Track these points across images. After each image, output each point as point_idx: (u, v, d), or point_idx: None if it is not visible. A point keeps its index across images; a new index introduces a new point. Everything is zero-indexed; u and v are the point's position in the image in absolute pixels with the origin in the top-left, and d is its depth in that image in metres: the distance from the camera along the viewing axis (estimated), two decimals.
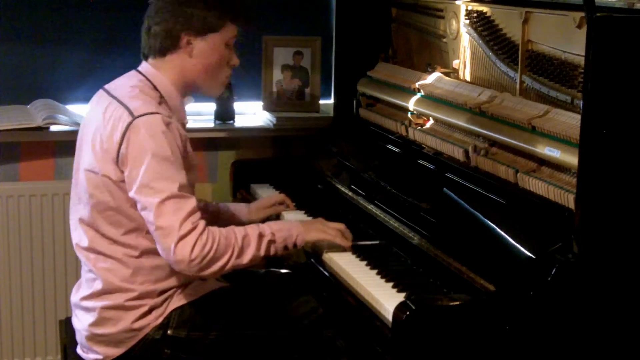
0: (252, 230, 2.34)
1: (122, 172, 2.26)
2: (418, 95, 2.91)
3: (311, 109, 3.66)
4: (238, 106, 3.63)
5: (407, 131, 2.92)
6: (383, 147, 2.98)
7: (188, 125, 3.46)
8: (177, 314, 2.36)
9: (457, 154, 2.60)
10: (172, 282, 2.36)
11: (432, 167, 2.69)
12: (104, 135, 2.28)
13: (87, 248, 2.36)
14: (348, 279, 2.37)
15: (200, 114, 3.65)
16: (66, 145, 3.22)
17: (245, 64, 3.59)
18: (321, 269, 2.52)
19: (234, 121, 3.58)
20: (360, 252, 2.50)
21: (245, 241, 2.31)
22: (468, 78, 2.81)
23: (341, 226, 2.53)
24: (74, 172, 2.44)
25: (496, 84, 2.65)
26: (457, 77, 2.85)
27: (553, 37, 2.38)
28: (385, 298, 2.18)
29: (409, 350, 1.98)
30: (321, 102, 3.70)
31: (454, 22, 2.86)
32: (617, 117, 1.96)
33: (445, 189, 2.52)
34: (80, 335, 2.41)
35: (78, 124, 2.94)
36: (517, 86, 2.52)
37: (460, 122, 2.63)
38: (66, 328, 2.60)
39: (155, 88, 2.37)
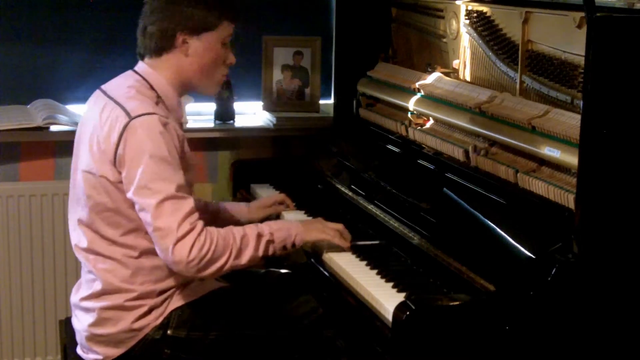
0: (251, 230, 2.34)
1: (120, 173, 2.26)
2: (418, 95, 2.91)
3: (311, 109, 3.66)
4: (238, 106, 3.63)
5: (407, 131, 2.92)
6: (383, 147, 2.98)
7: (188, 125, 3.51)
8: (177, 314, 2.36)
9: (457, 154, 2.60)
10: (172, 282, 2.36)
11: (432, 167, 2.69)
12: (101, 136, 2.28)
13: (86, 249, 2.36)
14: (348, 279, 2.37)
15: (200, 114, 3.65)
16: (66, 145, 3.21)
17: (245, 64, 3.63)
18: (321, 269, 2.52)
19: (234, 121, 3.58)
20: (360, 252, 2.50)
21: (243, 242, 2.31)
22: (468, 78, 2.81)
23: (340, 226, 2.53)
24: (72, 173, 2.43)
25: (496, 84, 2.65)
26: (457, 77, 2.85)
27: (553, 37, 2.38)
28: (385, 298, 2.18)
29: (409, 350, 1.98)
30: (321, 102, 3.70)
31: (454, 22, 2.86)
32: (617, 117, 1.96)
33: (445, 189, 2.52)
34: (80, 336, 2.41)
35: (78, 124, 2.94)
36: (517, 86, 2.52)
37: (460, 122, 2.63)
38: (66, 328, 2.60)
39: (152, 88, 2.36)
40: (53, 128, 3.29)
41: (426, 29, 3.06)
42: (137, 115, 2.24)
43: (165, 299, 2.36)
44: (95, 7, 3.48)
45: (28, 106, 3.46)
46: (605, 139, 1.96)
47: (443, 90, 2.77)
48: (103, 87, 2.43)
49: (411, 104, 2.92)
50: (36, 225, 3.37)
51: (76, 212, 2.39)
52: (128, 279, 2.32)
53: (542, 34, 2.43)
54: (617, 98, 1.96)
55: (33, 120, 3.28)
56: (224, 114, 3.57)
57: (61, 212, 3.34)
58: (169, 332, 2.35)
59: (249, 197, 3.19)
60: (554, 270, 1.98)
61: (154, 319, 2.34)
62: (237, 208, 2.85)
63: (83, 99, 2.72)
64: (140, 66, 2.42)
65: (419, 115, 2.92)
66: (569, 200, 2.13)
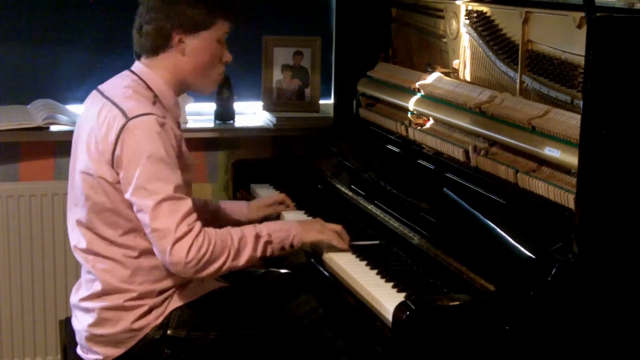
0: (249, 231, 2.34)
1: (118, 173, 2.25)
2: (418, 95, 2.91)
3: (311, 109, 3.66)
4: (238, 106, 3.63)
5: (407, 131, 2.92)
6: (383, 147, 2.98)
7: (188, 125, 3.51)
8: (176, 314, 2.36)
9: (457, 154, 2.60)
10: (171, 281, 2.36)
11: (432, 167, 2.69)
12: (99, 137, 2.27)
13: (85, 250, 2.36)
14: (348, 279, 2.37)
15: (200, 114, 3.65)
16: (66, 145, 3.19)
17: (245, 64, 3.63)
18: (321, 269, 2.52)
19: (234, 121, 3.58)
20: (360, 252, 2.50)
21: (241, 243, 2.30)
22: (468, 78, 2.81)
23: (338, 227, 2.52)
24: (70, 174, 2.43)
25: (496, 84, 2.65)
26: (457, 77, 2.85)
27: (553, 37, 2.38)
28: (385, 298, 2.18)
29: (409, 350, 1.98)
30: (321, 102, 3.70)
31: (454, 22, 2.86)
32: (617, 117, 1.96)
33: (445, 189, 2.52)
34: (80, 336, 2.41)
35: None
36: (517, 86, 2.52)
37: (460, 122, 2.63)
38: (66, 328, 2.60)
39: (148, 88, 2.36)
40: (53, 128, 3.29)
41: (426, 29, 3.06)
42: (135, 116, 2.23)
43: (165, 299, 2.36)
44: (95, 7, 3.48)
45: (28, 106, 3.46)
46: (605, 139, 1.96)
47: (443, 90, 2.77)
48: (100, 87, 2.42)
49: (411, 104, 2.92)
50: (36, 225, 3.37)
51: (75, 213, 2.39)
52: (127, 279, 2.32)
53: (542, 34, 2.43)
54: (617, 98, 1.96)
55: (33, 120, 3.28)
56: (224, 114, 3.57)
57: (61, 212, 3.34)
58: (168, 332, 2.35)
59: (249, 197, 3.19)
60: (554, 270, 1.98)
61: (154, 319, 2.34)
62: (237, 207, 2.85)
63: (83, 99, 2.71)
64: (137, 66, 2.41)
65: (419, 115, 2.92)
66: (569, 200, 2.13)
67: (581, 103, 1.99)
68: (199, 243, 2.21)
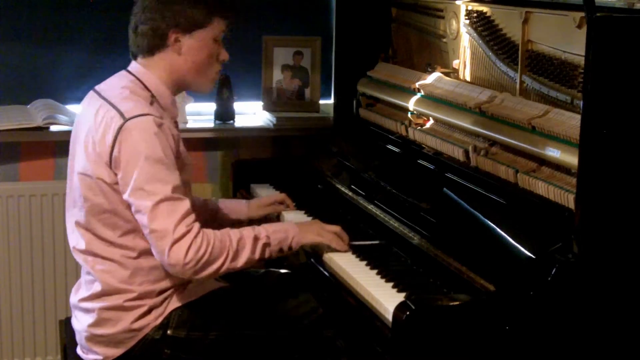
0: (248, 233, 2.34)
1: (116, 174, 2.25)
2: (418, 95, 2.91)
3: (311, 109, 3.66)
4: (238, 106, 3.63)
5: (407, 131, 2.92)
6: (383, 147, 2.98)
7: (188, 125, 3.51)
8: (176, 314, 2.36)
9: (457, 154, 2.60)
10: (171, 282, 2.35)
11: (432, 167, 2.69)
12: (96, 138, 2.27)
13: (84, 251, 2.36)
14: (348, 279, 2.37)
15: (200, 114, 3.65)
16: (66, 145, 3.17)
17: (245, 64, 3.63)
18: (321, 269, 2.52)
19: (234, 121, 3.59)
20: (360, 252, 2.50)
21: (240, 244, 2.30)
22: (468, 78, 2.81)
23: (337, 229, 2.52)
24: (68, 175, 2.43)
25: (496, 84, 2.65)
26: (457, 77, 2.85)
27: (553, 37, 2.38)
28: (385, 298, 2.18)
29: (409, 350, 1.98)
30: (321, 102, 3.70)
31: (454, 22, 2.86)
32: (617, 117, 1.96)
33: (445, 189, 2.52)
34: (80, 336, 2.41)
35: None
36: (517, 86, 2.52)
37: (460, 122, 2.63)
38: (66, 328, 2.60)
39: (145, 88, 2.36)
40: (53, 128, 3.29)
41: (426, 29, 3.06)
42: (132, 117, 2.23)
43: (165, 299, 2.36)
44: (95, 7, 3.48)
45: (28, 106, 3.46)
46: (605, 139, 1.96)
47: (443, 90, 2.77)
48: (97, 87, 2.42)
49: (411, 104, 2.92)
50: (36, 225, 3.37)
51: (73, 214, 2.38)
52: (127, 280, 2.32)
53: (542, 34, 2.43)
54: (617, 98, 1.96)
55: (33, 120, 3.28)
56: (224, 114, 3.57)
57: (61, 212, 3.33)
58: (168, 332, 2.34)
59: (248, 197, 3.18)
60: (554, 270, 1.98)
61: (154, 319, 2.34)
62: (237, 206, 2.85)
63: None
64: (134, 66, 2.41)
65: (419, 115, 2.92)
66: (569, 200, 2.13)
67: (581, 103, 1.99)
68: (197, 244, 2.21)
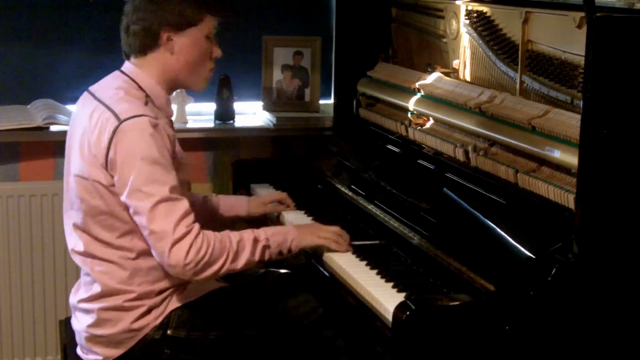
0: (247, 235, 2.34)
1: (112, 176, 2.24)
2: (418, 95, 2.91)
3: (311, 109, 3.66)
4: (238, 106, 3.63)
5: (407, 131, 2.92)
6: (383, 147, 2.98)
7: (188, 125, 3.51)
8: (176, 314, 2.36)
9: (457, 154, 2.60)
10: (170, 281, 2.35)
11: (432, 167, 2.69)
12: (92, 140, 2.26)
13: (82, 253, 2.35)
14: (348, 279, 2.37)
15: (200, 114, 3.65)
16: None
17: (245, 64, 3.63)
18: (321, 269, 2.52)
19: (234, 121, 3.58)
20: (360, 252, 2.50)
21: (240, 246, 2.30)
22: (468, 78, 2.81)
23: (336, 230, 2.52)
24: (65, 177, 2.42)
25: (496, 84, 2.65)
26: (457, 77, 2.85)
27: (553, 37, 2.38)
28: (385, 298, 2.18)
29: (409, 350, 1.98)
30: (321, 102, 3.70)
31: (454, 22, 2.86)
32: (617, 117, 1.96)
33: (445, 189, 2.52)
34: (80, 337, 2.41)
35: None
36: (517, 86, 2.52)
37: (460, 122, 2.63)
38: (66, 328, 2.59)
39: (140, 88, 2.35)
40: (53, 128, 3.29)
41: (426, 29, 3.06)
42: (127, 118, 2.22)
43: (165, 299, 2.36)
44: (95, 7, 3.48)
45: (28, 106, 3.46)
46: (605, 139, 1.96)
47: (443, 90, 2.77)
48: (91, 88, 2.41)
49: (411, 104, 2.92)
50: (36, 225, 3.37)
51: (71, 216, 2.38)
52: (126, 281, 2.32)
53: (542, 34, 2.43)
54: (617, 98, 1.96)
55: (33, 120, 3.28)
56: (224, 114, 3.57)
57: (61, 212, 3.30)
58: (168, 332, 2.34)
59: (249, 196, 3.19)
60: (554, 270, 1.98)
61: (154, 319, 2.34)
62: (237, 202, 2.85)
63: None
64: (127, 66, 2.40)
65: (419, 115, 2.92)
66: (569, 200, 2.13)
67: (581, 103, 1.99)
68: (197, 245, 2.20)
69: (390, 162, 2.89)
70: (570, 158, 2.15)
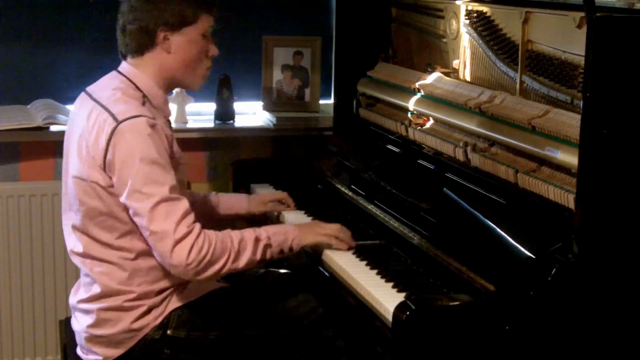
0: (249, 234, 2.34)
1: (110, 178, 2.24)
2: (418, 95, 2.91)
3: (311, 109, 3.66)
4: (238, 106, 3.63)
5: (407, 131, 2.92)
6: (383, 147, 2.98)
7: (188, 125, 3.51)
8: (176, 314, 2.36)
9: (457, 154, 2.60)
10: (170, 281, 2.35)
11: (432, 167, 2.69)
12: (90, 142, 2.26)
13: (82, 254, 2.35)
14: (348, 279, 2.37)
15: (200, 114, 3.65)
16: None
17: (245, 64, 3.63)
18: (321, 269, 2.52)
19: (234, 121, 3.58)
20: (360, 252, 2.50)
21: (241, 245, 2.30)
22: (468, 78, 2.81)
23: (337, 227, 2.52)
24: (63, 178, 2.42)
25: (496, 84, 2.65)
26: (457, 77, 2.85)
27: (553, 37, 2.38)
28: (385, 298, 2.18)
29: (409, 350, 1.98)
30: (321, 102, 3.70)
31: (454, 22, 2.86)
32: (617, 117, 1.96)
33: (445, 189, 2.52)
34: (80, 337, 2.41)
35: None
36: (517, 86, 2.52)
37: (460, 122, 2.63)
38: (66, 328, 2.59)
39: (137, 88, 2.35)
40: (53, 128, 3.29)
41: (426, 29, 3.06)
42: (125, 119, 2.22)
43: (164, 299, 2.36)
44: (95, 7, 3.48)
45: (28, 106, 3.46)
46: (605, 139, 1.96)
47: (443, 90, 2.77)
48: (88, 89, 2.41)
49: (411, 104, 2.92)
50: (36, 225, 3.37)
51: (69, 217, 2.38)
52: (125, 281, 2.32)
53: (542, 34, 2.43)
54: (617, 98, 1.96)
55: (33, 120, 3.28)
56: (224, 114, 3.57)
57: (61, 212, 3.34)
58: (168, 332, 2.34)
59: None
60: (554, 270, 1.98)
61: (154, 319, 2.34)
62: (238, 200, 2.85)
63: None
64: (124, 66, 2.40)
65: (419, 115, 2.92)
66: (569, 200, 2.13)
67: (581, 103, 1.99)
68: (199, 245, 2.20)
69: (390, 162, 2.89)
70: (570, 158, 2.15)
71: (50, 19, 3.46)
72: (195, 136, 3.51)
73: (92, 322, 2.35)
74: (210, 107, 3.59)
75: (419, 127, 2.88)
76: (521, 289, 2.00)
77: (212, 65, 2.46)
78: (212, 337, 2.36)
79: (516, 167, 2.37)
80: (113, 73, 2.41)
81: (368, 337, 2.21)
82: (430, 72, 2.91)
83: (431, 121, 2.86)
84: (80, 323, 2.39)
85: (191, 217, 2.23)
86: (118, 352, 2.35)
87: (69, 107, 3.47)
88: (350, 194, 2.90)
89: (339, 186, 2.99)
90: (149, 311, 2.33)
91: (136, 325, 2.33)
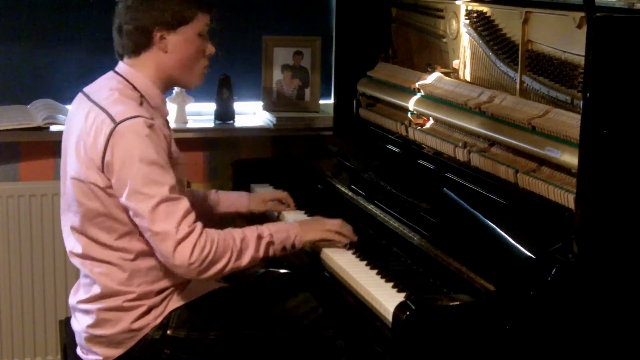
0: (251, 232, 2.34)
1: (109, 179, 2.24)
2: (418, 95, 2.91)
3: (311, 109, 3.66)
4: (238, 106, 3.63)
5: (407, 131, 2.92)
6: (383, 147, 2.98)
7: (188, 125, 3.51)
8: (176, 314, 2.36)
9: (457, 154, 2.60)
10: (169, 281, 2.35)
11: (432, 167, 2.69)
12: (88, 143, 2.26)
13: (81, 255, 2.35)
14: (348, 278, 2.37)
15: (200, 114, 3.65)
16: None
17: (245, 64, 3.63)
18: (321, 268, 2.52)
19: (234, 121, 3.58)
20: (360, 252, 2.50)
21: (243, 243, 2.30)
22: (468, 78, 2.81)
23: (338, 222, 2.53)
24: (61, 179, 2.42)
25: (496, 84, 2.65)
26: (457, 77, 2.85)
27: (553, 37, 2.38)
28: (385, 298, 2.18)
29: (409, 350, 1.98)
30: (321, 102, 3.70)
31: (454, 22, 2.86)
32: (617, 117, 1.96)
33: (445, 189, 2.52)
34: (80, 337, 2.41)
35: None
36: (517, 86, 2.52)
37: (460, 122, 2.63)
38: (66, 328, 2.59)
39: (135, 88, 2.35)
40: (53, 128, 3.29)
41: (426, 29, 3.06)
42: (123, 120, 2.22)
43: (164, 299, 2.36)
44: (95, 7, 3.48)
45: (28, 106, 3.46)
46: (605, 139, 1.96)
47: (443, 90, 2.77)
48: (85, 90, 2.41)
49: (411, 104, 2.92)
50: (36, 225, 3.37)
51: (68, 218, 2.38)
52: (125, 282, 2.32)
53: (542, 34, 2.43)
54: (617, 98, 1.96)
55: (33, 120, 3.28)
56: (224, 114, 3.57)
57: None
58: (168, 332, 2.34)
59: None
60: (554, 270, 1.98)
61: (153, 319, 2.34)
62: (238, 198, 2.85)
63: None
64: (121, 67, 2.40)
65: (419, 115, 2.92)
66: (569, 200, 2.13)
67: (581, 103, 1.99)
68: (201, 244, 2.20)
69: (390, 162, 2.89)
70: (570, 158, 2.15)
71: (50, 19, 3.46)
72: (195, 136, 3.51)
73: (92, 322, 2.35)
74: (210, 107, 3.59)
75: (419, 127, 2.88)
76: (521, 289, 2.00)
77: (210, 64, 2.46)
78: (212, 337, 2.36)
79: (516, 167, 2.37)
80: (110, 73, 2.41)
81: (368, 337, 2.21)
82: (430, 72, 2.91)
83: (431, 121, 2.86)
84: (80, 323, 2.39)
85: (192, 216, 2.23)
86: (118, 352, 2.35)
87: (69, 107, 3.47)
88: (350, 194, 2.90)
89: (339, 186, 2.99)
90: (148, 311, 2.33)
91: (136, 325, 2.33)
